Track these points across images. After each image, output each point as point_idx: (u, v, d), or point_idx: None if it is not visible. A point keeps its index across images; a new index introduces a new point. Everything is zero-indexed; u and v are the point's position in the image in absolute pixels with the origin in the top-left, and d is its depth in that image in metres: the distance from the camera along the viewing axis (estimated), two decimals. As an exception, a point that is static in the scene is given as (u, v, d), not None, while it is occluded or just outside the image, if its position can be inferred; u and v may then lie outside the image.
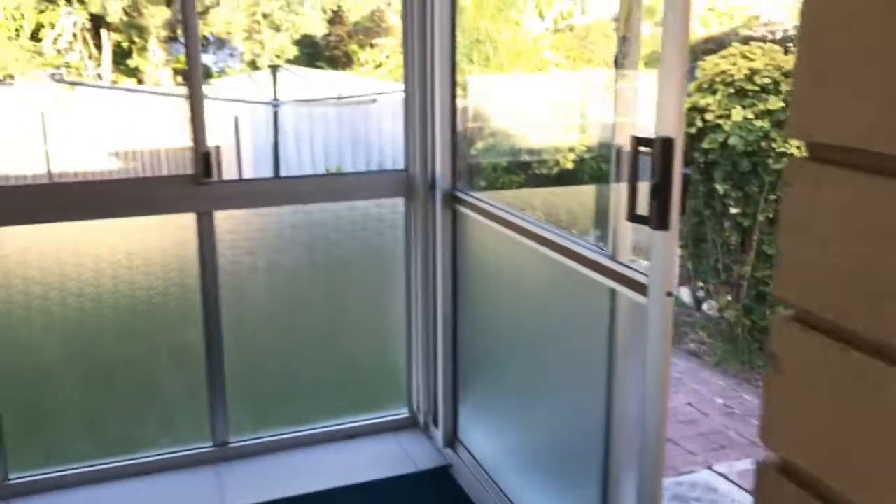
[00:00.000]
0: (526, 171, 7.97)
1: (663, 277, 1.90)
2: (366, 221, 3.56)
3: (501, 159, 7.81)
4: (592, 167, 7.73)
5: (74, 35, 15.34)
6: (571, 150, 8.09)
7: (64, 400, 3.28)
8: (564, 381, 2.66)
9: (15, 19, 14.16)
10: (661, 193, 1.83)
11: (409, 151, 3.45)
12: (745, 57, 5.93)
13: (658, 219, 1.85)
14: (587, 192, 4.78)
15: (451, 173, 3.28)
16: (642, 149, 1.89)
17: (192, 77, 3.08)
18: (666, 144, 1.80)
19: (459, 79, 3.30)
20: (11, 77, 14.89)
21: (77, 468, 3.24)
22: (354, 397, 3.73)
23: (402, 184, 3.46)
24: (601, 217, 3.07)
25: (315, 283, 3.61)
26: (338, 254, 3.59)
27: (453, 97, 3.24)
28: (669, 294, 1.89)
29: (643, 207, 1.91)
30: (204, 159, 3.14)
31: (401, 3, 3.33)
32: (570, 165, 7.95)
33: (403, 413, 3.73)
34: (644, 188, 1.91)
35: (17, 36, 14.30)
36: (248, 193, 3.39)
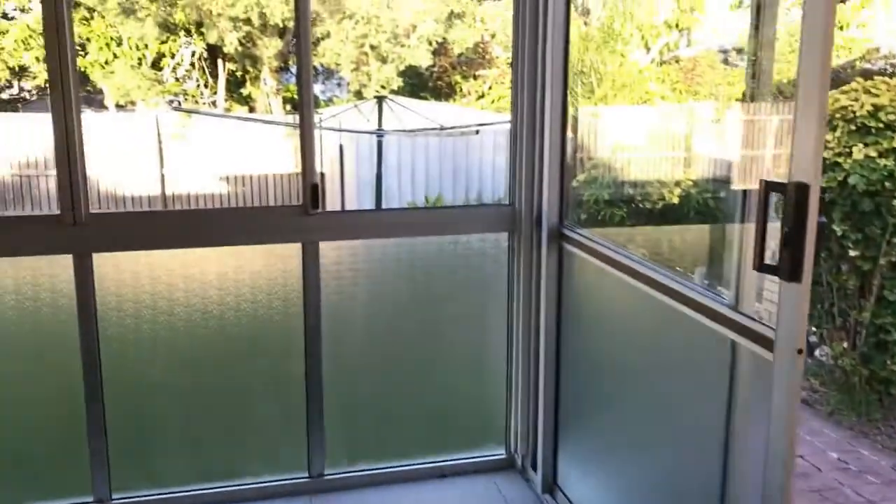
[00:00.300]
0: (629, 204, 7.79)
1: (794, 333, 1.75)
2: (468, 256, 3.51)
3: (603, 192, 7.67)
4: (699, 202, 7.49)
5: (192, 64, 16.07)
6: (678, 184, 7.87)
7: (168, 423, 3.34)
8: (676, 432, 2.52)
9: (139, 48, 14.94)
10: (793, 242, 1.70)
11: (514, 185, 3.38)
12: (868, 92, 5.63)
13: (789, 270, 1.72)
14: (699, 231, 4.60)
15: (558, 209, 3.20)
16: (773, 193, 1.76)
17: (304, 110, 3.12)
18: (801, 190, 1.67)
19: (570, 111, 3.22)
20: (133, 103, 15.70)
21: (177, 493, 3.28)
22: (450, 434, 3.66)
23: (507, 218, 3.40)
24: (717, 260, 2.92)
25: (415, 316, 3.58)
26: (439, 287, 3.56)
27: (563, 130, 3.16)
28: (800, 351, 1.74)
29: (772, 256, 1.78)
30: (312, 190, 3.16)
31: (511, 33, 3.29)
32: (675, 200, 7.72)
33: (500, 454, 3.64)
34: (773, 233, 1.78)
35: (140, 65, 15.07)
36: (352, 225, 3.39)
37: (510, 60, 3.41)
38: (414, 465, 3.53)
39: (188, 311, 3.23)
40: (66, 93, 2.91)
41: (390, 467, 3.50)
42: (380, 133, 10.23)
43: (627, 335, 2.89)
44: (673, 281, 2.40)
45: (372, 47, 14.16)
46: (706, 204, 7.33)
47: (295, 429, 3.37)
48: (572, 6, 3.14)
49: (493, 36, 16.15)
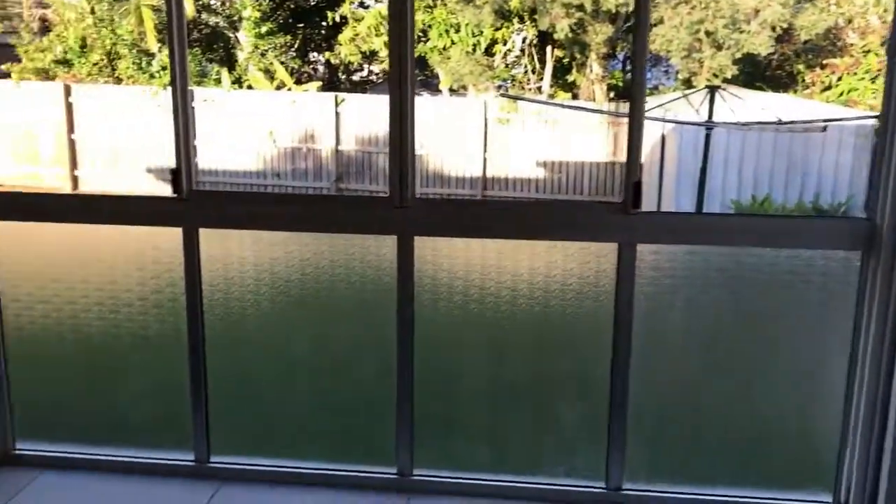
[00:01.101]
0: None
1: None
2: (808, 273, 3.08)
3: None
4: None
5: (522, 51, 16.47)
6: None
7: (472, 408, 3.36)
8: None
9: (474, 35, 15.63)
10: None
11: (876, 195, 2.88)
12: None
13: None
14: None
15: (932, 229, 2.66)
16: None
17: (635, 102, 2.91)
18: None
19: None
20: (465, 88, 16.50)
21: (476, 479, 3.28)
22: (766, 468, 3.27)
23: (863, 235, 2.91)
24: None
25: (737, 333, 3.23)
26: (767, 305, 3.17)
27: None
28: None
29: None
30: (635, 188, 2.95)
31: (893, 16, 2.79)
32: None
33: (826, 499, 3.17)
34: None
35: (474, 51, 15.76)
36: (675, 229, 3.10)
37: (866, 48, 2.89)
38: (720, 496, 3.21)
39: (496, 301, 3.21)
40: (403, 78, 3.00)
41: (694, 494, 3.21)
42: (709, 125, 9.62)
43: None
44: None
45: (707, 33, 13.40)
46: None
47: (594, 436, 3.22)
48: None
49: (849, 21, 14.48)
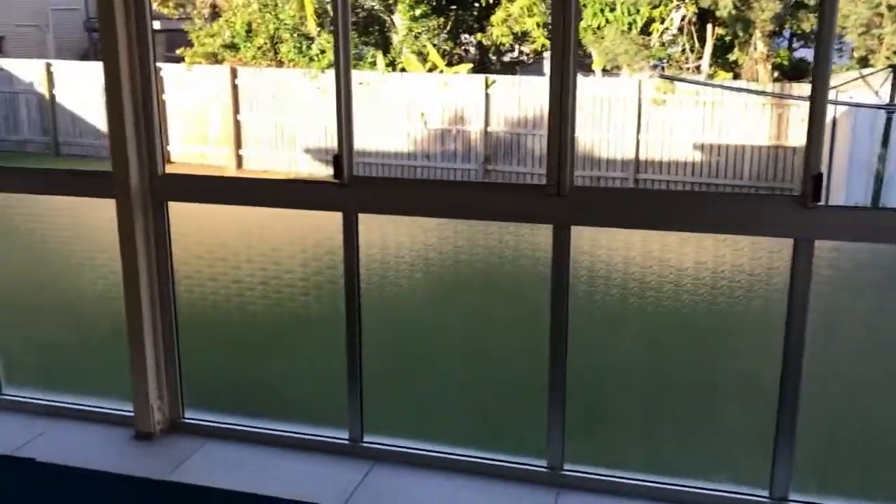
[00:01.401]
0: None
1: None
2: None
3: None
4: None
5: (680, 29, 15.82)
6: None
7: (625, 405, 3.26)
8: None
9: (629, 14, 15.15)
10: None
11: None
12: None
13: None
14: None
15: None
16: None
17: (818, 85, 2.68)
18: None
19: None
20: (618, 68, 16.06)
21: (630, 478, 3.17)
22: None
23: None
24: None
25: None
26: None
27: None
28: None
29: None
30: (815, 181, 2.73)
31: None
32: None
33: None
34: None
35: (630, 30, 15.28)
36: (862, 225, 2.85)
37: None
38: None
39: (658, 296, 3.07)
40: (566, 60, 2.91)
41: (870, 512, 2.97)
42: (891, 108, 8.84)
43: None
44: None
45: (890, 7, 12.33)
46: None
47: (761, 440, 3.03)
48: None
49: None
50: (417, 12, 16.57)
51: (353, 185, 3.24)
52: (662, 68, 15.91)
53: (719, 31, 15.57)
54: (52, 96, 15.89)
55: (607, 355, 3.27)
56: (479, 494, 3.20)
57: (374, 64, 16.35)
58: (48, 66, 15.99)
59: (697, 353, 3.16)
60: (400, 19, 16.83)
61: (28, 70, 16.10)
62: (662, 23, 15.65)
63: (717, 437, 3.18)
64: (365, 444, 3.49)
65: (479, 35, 18.04)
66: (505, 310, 3.38)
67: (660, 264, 3.06)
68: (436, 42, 16.83)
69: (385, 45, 17.03)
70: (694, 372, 3.17)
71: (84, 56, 20.06)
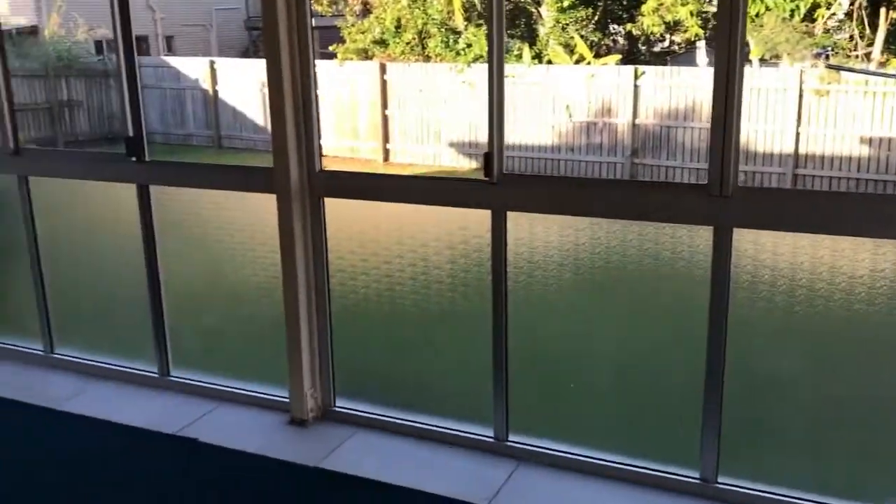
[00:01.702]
0: None
1: None
2: None
3: None
4: None
5: (848, 14, 14.81)
6: None
7: (791, 420, 3.07)
8: None
9: (793, 0, 14.31)
10: None
11: None
12: None
13: None
14: None
15: None
16: None
17: None
18: None
19: None
20: (777, 58, 15.22)
21: (790, 497, 2.99)
22: None
23: None
24: None
25: None
26: None
27: None
28: None
29: None
30: None
31: None
32: None
33: None
34: None
35: (792, 17, 14.45)
36: None
37: None
38: None
39: (827, 304, 2.87)
40: (732, 51, 2.75)
41: None
42: None
43: None
44: None
45: None
46: None
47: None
48: None
49: None
50: (565, 3, 16.35)
51: (503, 183, 3.21)
52: (827, 56, 14.94)
53: (893, 15, 14.44)
54: (216, 92, 16.84)
55: (769, 366, 3.08)
56: (628, 502, 3.11)
57: (519, 56, 16.28)
58: (212, 63, 16.96)
59: (871, 365, 2.92)
60: (547, 11, 16.67)
61: (193, 67, 17.13)
62: (829, 8, 14.70)
63: (888, 459, 2.93)
64: (510, 443, 3.47)
65: (628, 25, 17.61)
66: (659, 314, 3.26)
67: (831, 271, 2.86)
68: (583, 33, 16.55)
69: (532, 38, 16.92)
70: (866, 386, 2.93)
71: (244, 53, 21.15)
